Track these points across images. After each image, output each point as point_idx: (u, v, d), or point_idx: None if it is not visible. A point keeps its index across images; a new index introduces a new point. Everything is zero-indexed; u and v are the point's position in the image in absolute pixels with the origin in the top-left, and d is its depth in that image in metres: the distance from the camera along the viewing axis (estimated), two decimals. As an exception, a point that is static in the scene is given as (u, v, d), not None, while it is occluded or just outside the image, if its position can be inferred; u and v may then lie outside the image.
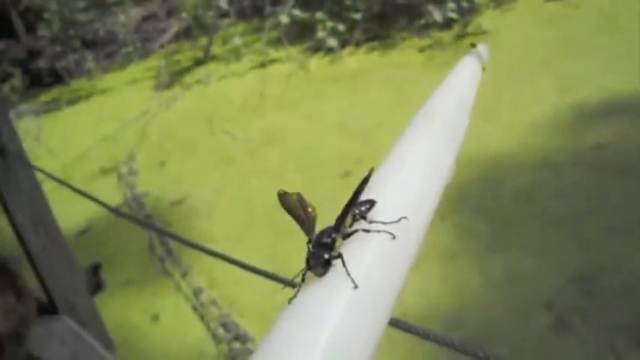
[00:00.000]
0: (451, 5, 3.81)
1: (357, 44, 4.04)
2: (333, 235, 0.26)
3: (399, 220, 0.27)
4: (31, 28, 5.45)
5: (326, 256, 0.25)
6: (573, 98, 2.56)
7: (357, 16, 4.03)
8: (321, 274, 0.25)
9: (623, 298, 1.51)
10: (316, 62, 3.98)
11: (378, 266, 0.25)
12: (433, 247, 1.86)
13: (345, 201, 0.27)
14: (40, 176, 1.42)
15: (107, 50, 5.42)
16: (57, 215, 1.46)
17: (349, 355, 0.22)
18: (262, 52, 4.29)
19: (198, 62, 4.68)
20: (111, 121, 3.94)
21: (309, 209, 0.30)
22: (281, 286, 0.43)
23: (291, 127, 3.13)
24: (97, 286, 2.12)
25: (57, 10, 5.11)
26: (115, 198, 2.81)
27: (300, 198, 0.30)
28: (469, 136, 0.37)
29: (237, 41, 4.46)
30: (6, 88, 4.93)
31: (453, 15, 3.81)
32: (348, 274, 0.24)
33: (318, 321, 0.22)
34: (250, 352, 1.65)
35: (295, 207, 0.30)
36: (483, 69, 0.44)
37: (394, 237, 0.26)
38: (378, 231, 0.26)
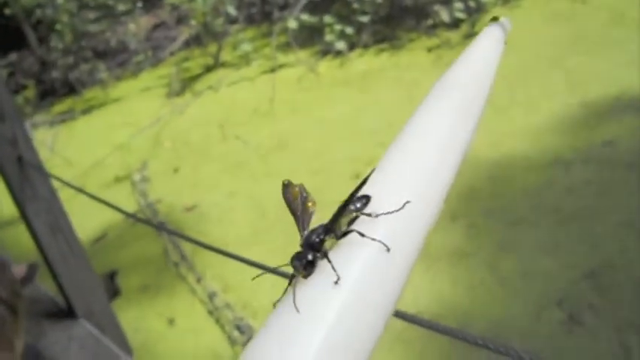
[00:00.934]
0: (458, 5, 3.82)
1: (366, 46, 4.06)
2: (322, 236, 0.25)
3: (404, 205, 0.26)
4: (43, 40, 5.52)
5: (309, 257, 0.24)
6: (584, 95, 2.55)
7: (365, 18, 4.05)
8: (305, 276, 0.24)
9: (635, 294, 1.51)
10: (325, 65, 4.00)
11: (367, 275, 0.24)
12: (445, 246, 1.87)
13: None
14: (56, 184, 1.45)
15: (119, 59, 5.48)
16: (73, 223, 1.49)
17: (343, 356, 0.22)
18: (271, 57, 4.31)
19: (209, 69, 4.71)
20: (124, 129, 3.98)
21: (309, 204, 0.29)
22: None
23: (301, 131, 3.15)
24: (114, 293, 2.16)
25: (68, 21, 5.17)
26: (129, 205, 2.84)
27: (302, 190, 0.30)
28: (479, 134, 0.36)
29: (247, 47, 4.49)
30: (20, 99, 5.00)
31: (461, 14, 3.81)
32: (335, 271, 0.23)
33: (299, 326, 0.22)
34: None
35: (295, 200, 0.29)
36: (505, 42, 0.41)
37: (388, 249, 0.25)
38: (373, 238, 0.25)
